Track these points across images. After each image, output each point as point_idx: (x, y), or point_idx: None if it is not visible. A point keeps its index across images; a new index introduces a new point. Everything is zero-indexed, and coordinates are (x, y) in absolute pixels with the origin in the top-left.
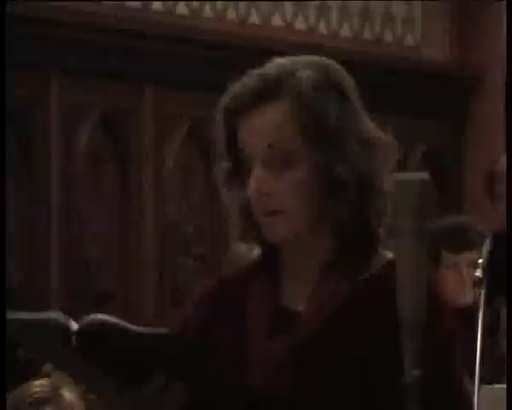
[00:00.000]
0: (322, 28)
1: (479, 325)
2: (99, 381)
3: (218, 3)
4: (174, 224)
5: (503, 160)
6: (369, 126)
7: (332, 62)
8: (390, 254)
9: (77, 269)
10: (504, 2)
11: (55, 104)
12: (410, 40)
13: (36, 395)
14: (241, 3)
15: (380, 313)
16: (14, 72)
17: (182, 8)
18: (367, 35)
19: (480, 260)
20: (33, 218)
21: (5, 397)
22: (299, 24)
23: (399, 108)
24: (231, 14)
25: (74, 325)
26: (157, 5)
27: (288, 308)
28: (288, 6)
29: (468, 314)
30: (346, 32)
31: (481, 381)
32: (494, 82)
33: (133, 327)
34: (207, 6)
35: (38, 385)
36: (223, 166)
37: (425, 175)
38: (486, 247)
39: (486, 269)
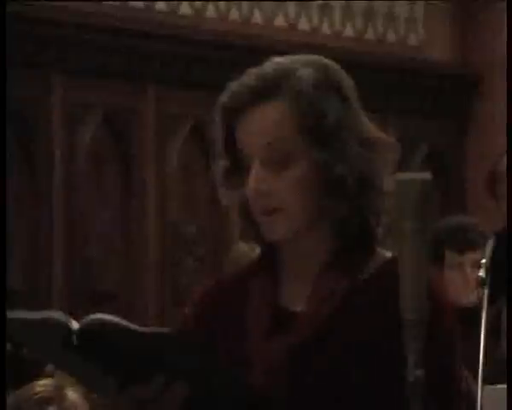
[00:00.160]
0: (325, 28)
1: (482, 325)
2: (99, 380)
3: (222, 3)
4: (176, 224)
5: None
6: (369, 126)
7: (331, 62)
8: (388, 254)
9: (79, 269)
10: (505, 2)
11: (58, 104)
12: (412, 40)
13: (39, 395)
14: (244, 4)
15: (379, 312)
16: (17, 72)
17: (185, 8)
18: (370, 35)
19: (483, 260)
20: (36, 218)
21: (5, 397)
22: (302, 24)
23: (402, 108)
24: (234, 15)
25: (75, 325)
26: (160, 5)
27: (287, 308)
28: (291, 6)
29: (472, 314)
30: (349, 32)
31: (484, 381)
32: (496, 82)
33: (134, 327)
34: (210, 6)
35: (42, 385)
36: (221, 164)
37: (427, 175)
38: (489, 247)
39: (489, 269)
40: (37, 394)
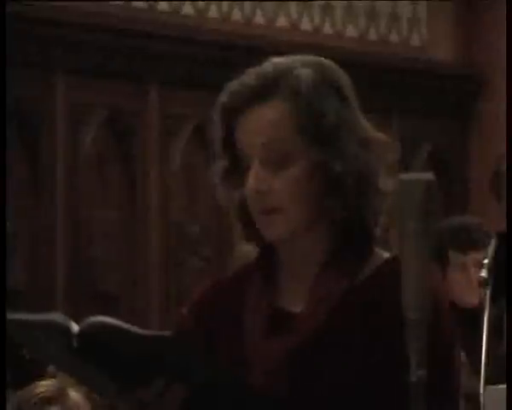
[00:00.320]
0: (327, 28)
1: (484, 325)
2: (100, 382)
3: (224, 4)
4: (180, 224)
5: None
6: (367, 126)
7: (329, 62)
8: (386, 254)
9: (82, 269)
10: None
11: (61, 105)
12: (415, 40)
13: (41, 395)
14: (247, 4)
15: (377, 312)
16: (20, 72)
17: (187, 9)
18: (372, 35)
19: (486, 261)
20: (39, 218)
21: (5, 397)
22: (304, 24)
23: (405, 109)
24: (236, 15)
25: (75, 327)
26: (163, 5)
27: (285, 308)
28: (293, 6)
29: (475, 314)
30: (351, 32)
31: (486, 381)
32: (500, 82)
33: (135, 329)
34: (213, 6)
35: (44, 385)
36: (220, 165)
37: (430, 175)
38: (492, 247)
39: (492, 269)
40: (39, 394)
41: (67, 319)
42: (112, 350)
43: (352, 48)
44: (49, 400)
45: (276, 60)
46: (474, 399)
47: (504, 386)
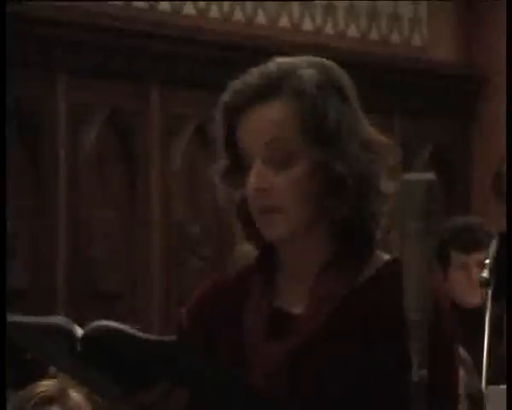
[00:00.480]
0: (328, 29)
1: (486, 325)
2: (102, 386)
3: (225, 4)
4: (181, 224)
5: None
6: (368, 128)
7: (331, 62)
8: (387, 256)
9: (83, 269)
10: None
11: (62, 105)
12: (416, 40)
13: (42, 395)
14: (248, 4)
15: (378, 313)
16: (20, 72)
17: (189, 9)
18: (374, 35)
19: (487, 261)
20: (40, 218)
21: (5, 397)
22: (306, 24)
23: (406, 109)
24: (238, 15)
25: (79, 331)
26: (164, 5)
27: (285, 309)
28: (295, 6)
29: (477, 314)
30: (352, 32)
31: (488, 381)
32: (501, 82)
33: (138, 333)
34: (214, 6)
35: (45, 385)
36: (221, 164)
37: (431, 175)
38: (493, 247)
39: (493, 269)
40: (39, 394)
41: (71, 323)
42: (116, 354)
43: (354, 48)
44: (49, 400)
45: (280, 60)
46: (476, 399)
47: (505, 386)
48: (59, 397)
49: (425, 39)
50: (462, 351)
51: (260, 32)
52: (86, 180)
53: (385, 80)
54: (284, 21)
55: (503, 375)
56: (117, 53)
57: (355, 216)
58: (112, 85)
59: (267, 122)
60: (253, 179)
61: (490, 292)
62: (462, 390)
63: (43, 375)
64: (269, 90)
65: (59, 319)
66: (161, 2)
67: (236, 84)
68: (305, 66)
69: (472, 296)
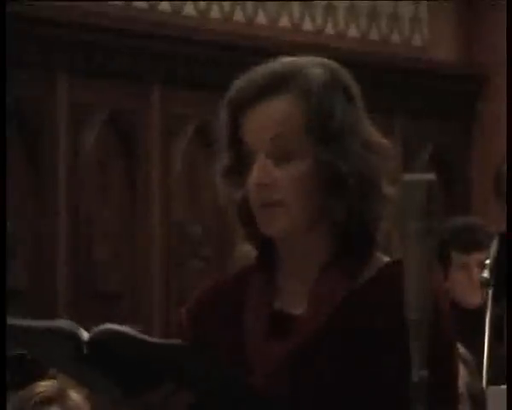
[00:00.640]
0: (329, 29)
1: (486, 326)
2: (106, 388)
3: (226, 4)
4: (181, 224)
5: None
6: (371, 129)
7: (335, 63)
8: (387, 258)
9: (83, 269)
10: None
11: (63, 105)
12: (417, 40)
13: (41, 395)
14: (249, 4)
15: (378, 313)
16: (20, 72)
17: (189, 9)
18: (374, 35)
19: (488, 261)
20: (40, 218)
21: (5, 397)
22: (307, 24)
23: (406, 109)
24: (238, 15)
25: (85, 335)
26: (164, 5)
27: (286, 309)
28: (295, 7)
29: (477, 315)
30: (353, 32)
31: (488, 382)
32: (501, 82)
33: (144, 337)
34: (215, 6)
35: (44, 385)
36: (223, 162)
37: (432, 176)
38: (493, 247)
39: (493, 270)
40: (39, 394)
41: (76, 326)
42: (121, 358)
43: (354, 48)
44: (49, 400)
45: (286, 59)
46: (479, 399)
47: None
48: (58, 397)
49: (425, 39)
50: (464, 351)
51: (261, 32)
52: (86, 180)
53: (385, 80)
54: (284, 21)
55: (503, 375)
56: (117, 53)
57: (356, 217)
58: (112, 85)
59: (272, 118)
60: (255, 174)
61: (490, 292)
62: (464, 391)
63: (43, 375)
64: (275, 87)
65: (64, 323)
66: (161, 3)
67: (241, 80)
68: (311, 65)
69: (472, 297)
